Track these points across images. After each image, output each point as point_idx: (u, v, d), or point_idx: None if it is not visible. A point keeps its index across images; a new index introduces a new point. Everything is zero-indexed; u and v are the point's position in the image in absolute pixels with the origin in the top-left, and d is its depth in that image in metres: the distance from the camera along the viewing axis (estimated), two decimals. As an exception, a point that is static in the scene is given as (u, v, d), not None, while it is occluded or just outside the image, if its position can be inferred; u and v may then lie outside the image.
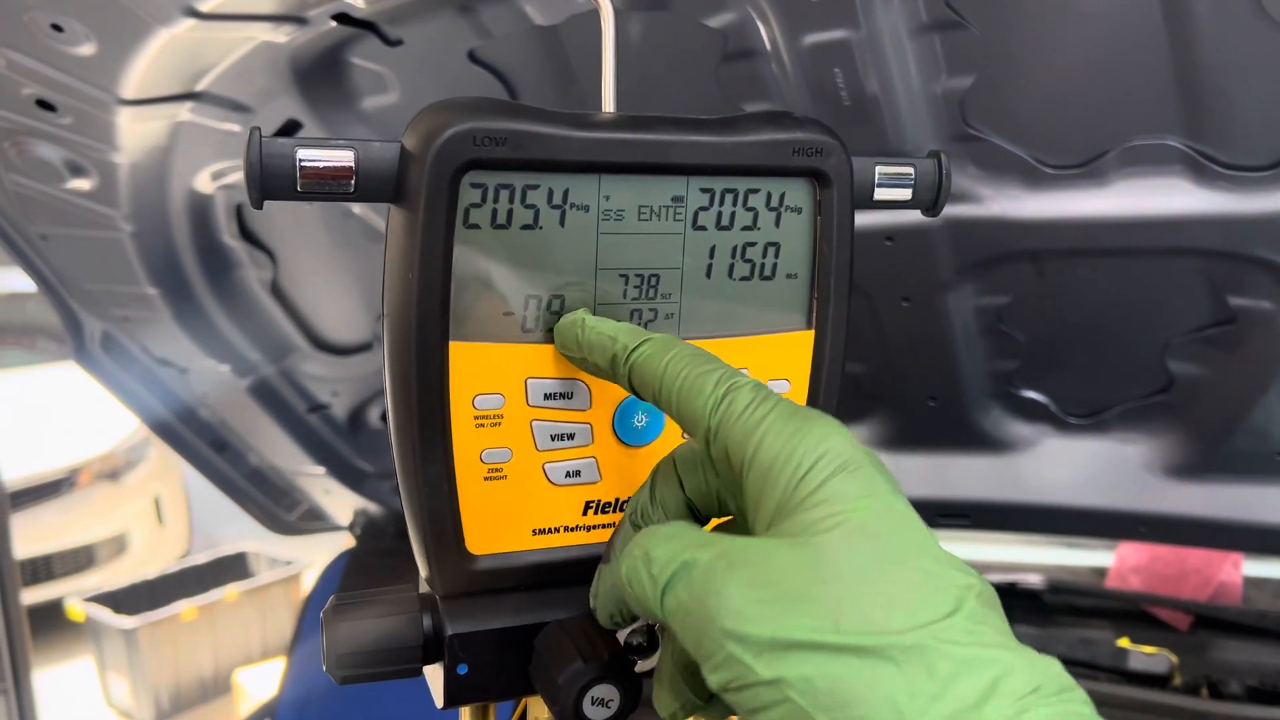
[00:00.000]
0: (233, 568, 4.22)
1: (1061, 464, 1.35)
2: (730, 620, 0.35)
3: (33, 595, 4.02)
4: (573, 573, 0.52)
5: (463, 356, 0.47)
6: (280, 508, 1.81)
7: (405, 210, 0.46)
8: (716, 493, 0.46)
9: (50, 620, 4.02)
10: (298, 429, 1.58)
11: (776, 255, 0.52)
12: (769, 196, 0.51)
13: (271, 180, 0.44)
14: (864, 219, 0.93)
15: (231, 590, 3.91)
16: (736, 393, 0.42)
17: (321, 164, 0.45)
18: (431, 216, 0.45)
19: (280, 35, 0.96)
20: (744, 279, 0.52)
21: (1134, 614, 1.56)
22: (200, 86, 1.03)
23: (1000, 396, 1.32)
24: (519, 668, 0.51)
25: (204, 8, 0.86)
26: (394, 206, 0.47)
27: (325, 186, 0.45)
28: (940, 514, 1.46)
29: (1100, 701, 1.39)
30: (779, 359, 0.54)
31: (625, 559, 0.40)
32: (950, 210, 1.06)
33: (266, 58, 0.99)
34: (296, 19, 0.94)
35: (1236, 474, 1.28)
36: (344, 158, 0.45)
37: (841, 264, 0.53)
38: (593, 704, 0.47)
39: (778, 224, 0.52)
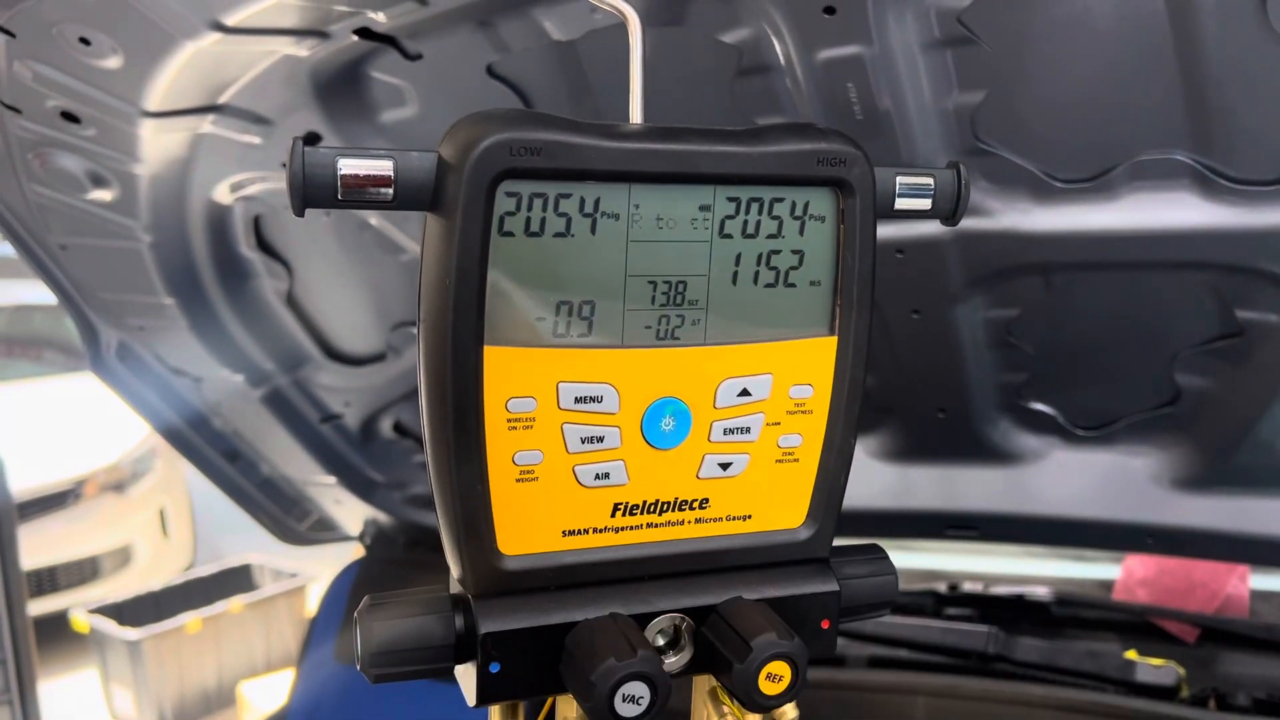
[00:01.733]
0: (237, 580, 4.23)
1: (1069, 476, 1.36)
2: None
3: (38, 606, 4.02)
4: (602, 573, 0.53)
5: (497, 361, 0.49)
6: (291, 517, 1.82)
7: (442, 218, 0.47)
8: None
9: (55, 631, 4.02)
10: (310, 439, 1.59)
11: (800, 262, 0.54)
12: (793, 205, 0.53)
13: (314, 188, 0.46)
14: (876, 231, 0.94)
15: (236, 602, 3.91)
16: None
17: (362, 173, 0.46)
18: (468, 224, 0.47)
19: (302, 49, 0.98)
20: (769, 286, 0.53)
21: (1141, 626, 1.57)
22: (222, 99, 1.05)
23: (1009, 408, 1.33)
24: (550, 666, 0.52)
25: (229, 21, 0.88)
26: (430, 215, 0.48)
27: (365, 195, 0.47)
28: (949, 525, 1.47)
29: (1107, 714, 1.40)
30: (803, 364, 0.55)
31: None
32: (961, 224, 1.07)
33: (288, 71, 1.01)
34: (319, 33, 0.96)
35: (1244, 486, 1.29)
36: (383, 167, 0.47)
37: (864, 271, 0.54)
38: (624, 701, 0.48)
39: (802, 232, 0.53)
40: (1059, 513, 1.39)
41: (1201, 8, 0.83)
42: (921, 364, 1.27)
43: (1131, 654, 1.48)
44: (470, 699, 0.52)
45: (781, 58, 0.94)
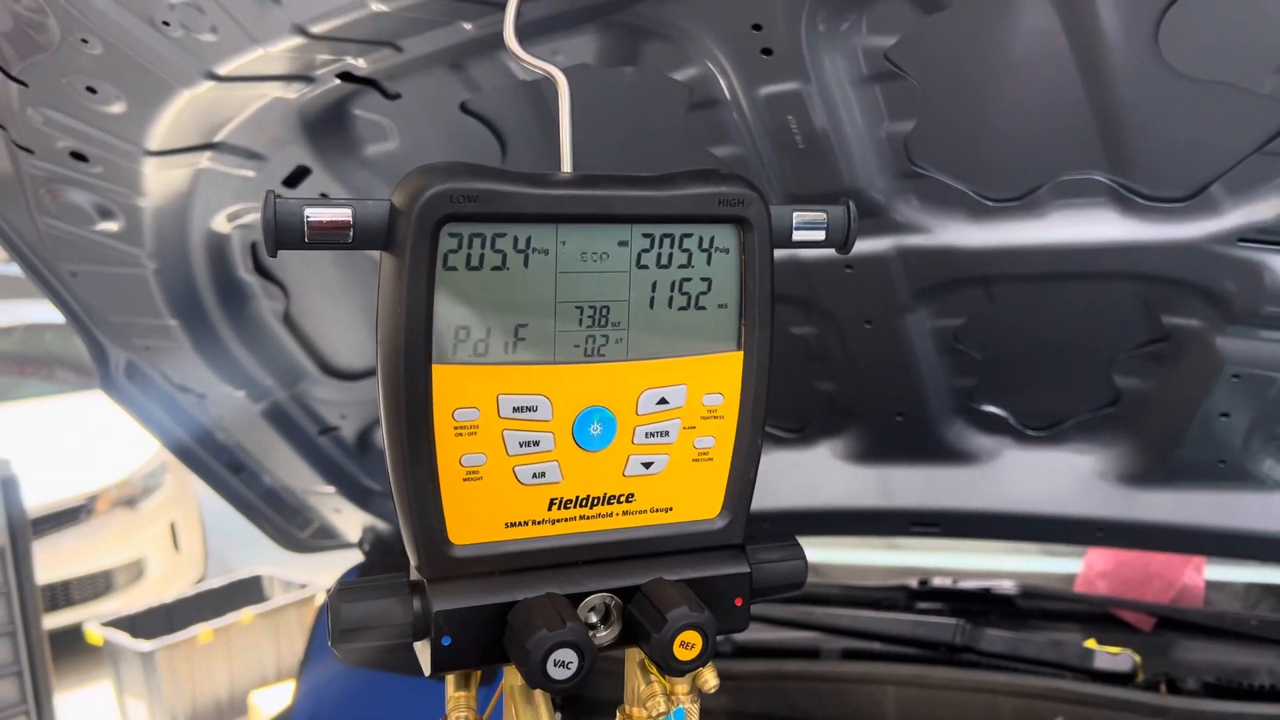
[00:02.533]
0: (248, 591, 4.30)
1: (1022, 474, 1.44)
2: None
3: (53, 620, 4.10)
4: (540, 559, 0.62)
5: (444, 377, 0.57)
6: (293, 526, 1.90)
7: (394, 256, 0.56)
8: None
9: (70, 644, 4.10)
10: (309, 450, 1.68)
11: (709, 288, 0.62)
12: (701, 239, 0.61)
13: (284, 234, 0.54)
14: (825, 249, 1.04)
15: (246, 613, 3.98)
16: None
17: (325, 220, 0.55)
18: (416, 261, 0.55)
19: (290, 92, 1.07)
20: (682, 309, 0.62)
21: (1101, 616, 1.65)
22: (218, 138, 1.13)
23: (962, 411, 1.41)
24: (495, 639, 0.60)
25: (222, 71, 0.97)
26: (385, 253, 0.57)
27: (328, 238, 0.55)
28: (913, 523, 1.55)
29: (1067, 699, 1.48)
30: (714, 376, 0.64)
31: None
32: (902, 240, 1.15)
33: (278, 111, 1.10)
34: (305, 78, 1.04)
35: (1185, 481, 1.37)
36: (343, 214, 0.55)
37: (764, 295, 0.63)
38: (555, 665, 0.56)
39: (709, 262, 0.62)
40: (1014, 509, 1.47)
41: (1102, 43, 0.91)
42: (877, 371, 1.35)
43: (1091, 643, 1.56)
44: (426, 669, 0.60)
45: (727, 93, 1.03)
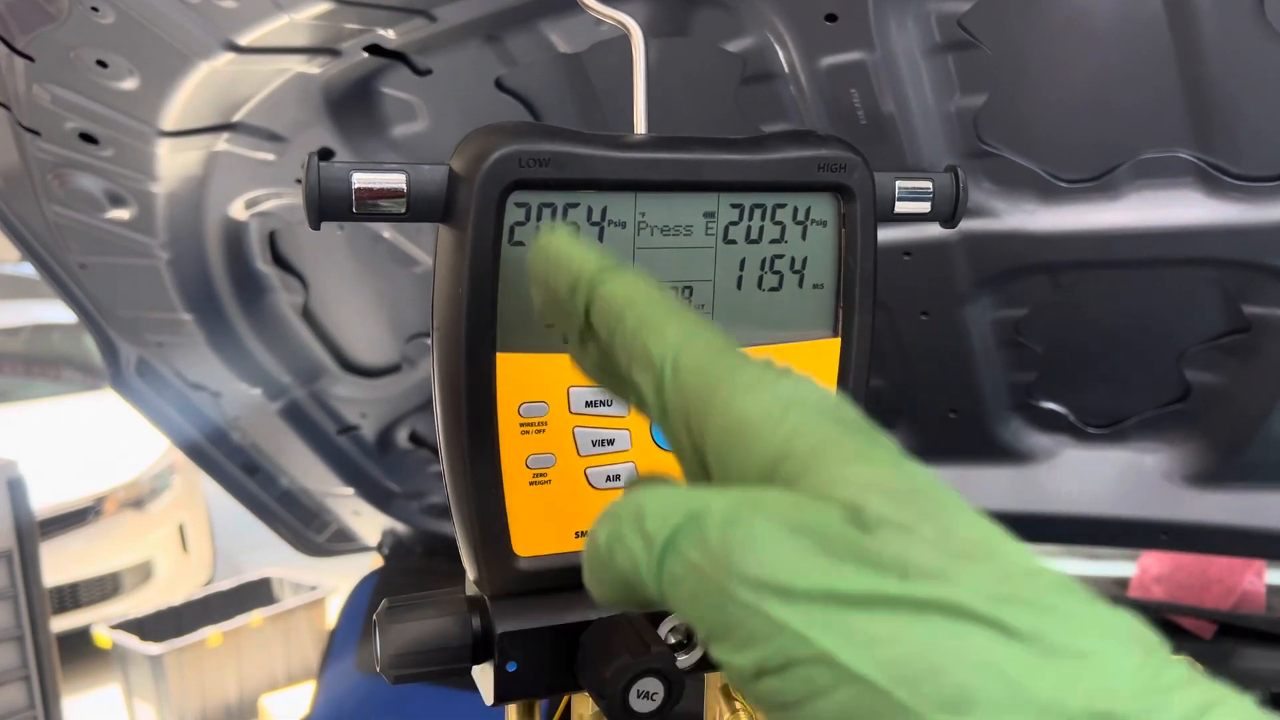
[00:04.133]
0: (257, 593, 4.25)
1: (1082, 474, 1.37)
2: (768, 572, 0.27)
3: (61, 623, 4.06)
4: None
5: (509, 367, 0.50)
6: (310, 529, 1.84)
7: (454, 229, 0.49)
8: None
9: (78, 647, 4.06)
10: (328, 451, 1.61)
11: (803, 266, 0.55)
12: (795, 211, 0.54)
13: (329, 202, 0.47)
14: (882, 234, 0.96)
15: (256, 616, 3.93)
16: (698, 333, 0.35)
17: (375, 186, 0.48)
18: (479, 235, 0.48)
19: (314, 67, 1.00)
20: (773, 289, 0.55)
21: (1157, 623, 1.57)
22: (236, 118, 1.06)
23: (1020, 408, 1.34)
24: (565, 665, 0.53)
25: (243, 41, 0.90)
26: (443, 226, 0.50)
27: (378, 207, 0.48)
28: (963, 526, 1.47)
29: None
30: (807, 365, 0.56)
31: (606, 521, 0.32)
32: (966, 225, 1.08)
33: (300, 89, 1.03)
34: (330, 51, 0.97)
35: (1257, 481, 1.30)
36: (396, 180, 0.48)
37: (865, 274, 0.56)
38: (639, 697, 0.49)
39: (804, 237, 0.55)
40: (1072, 511, 1.39)
41: (1199, 8, 0.84)
42: (931, 365, 1.28)
43: (1148, 651, 1.49)
44: (488, 698, 0.53)
45: (785, 65, 0.96)
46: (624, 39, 0.98)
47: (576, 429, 0.52)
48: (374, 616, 0.53)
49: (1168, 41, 0.87)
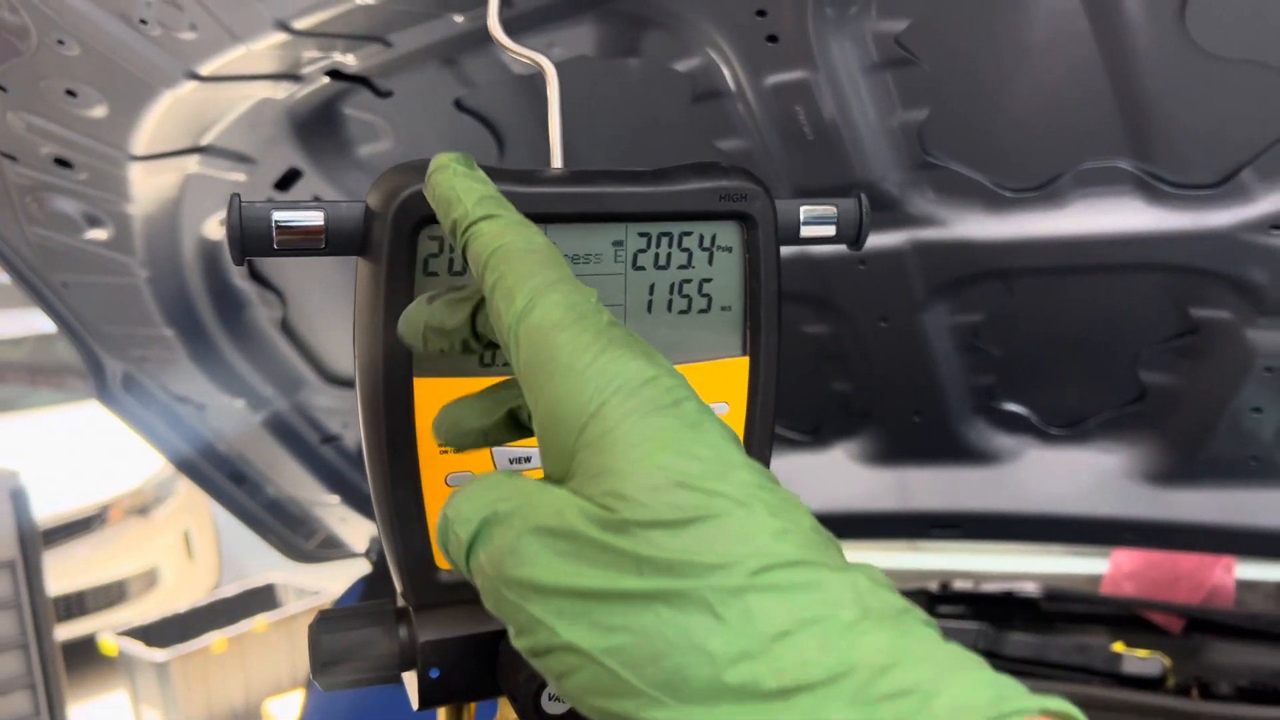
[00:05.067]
0: (261, 599, 4.29)
1: (1046, 474, 1.40)
2: (525, 574, 0.33)
3: (66, 631, 4.10)
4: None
5: (426, 391, 0.53)
6: (298, 536, 1.87)
7: (371, 262, 0.52)
8: (515, 417, 0.43)
9: (84, 655, 4.10)
10: (312, 460, 1.64)
11: (711, 290, 0.58)
12: (701, 238, 0.57)
13: (251, 240, 0.50)
14: (835, 246, 0.99)
15: (260, 621, 3.97)
16: (545, 308, 0.38)
17: (295, 224, 0.51)
18: (394, 267, 0.51)
19: (279, 91, 1.03)
20: (682, 312, 0.57)
21: (1129, 619, 1.60)
22: (206, 141, 1.10)
23: (982, 410, 1.36)
24: (486, 671, 0.56)
25: (204, 71, 0.93)
26: (361, 259, 0.53)
27: (299, 243, 0.51)
28: (933, 525, 1.50)
29: (1095, 705, 1.43)
30: (718, 383, 0.59)
31: (440, 520, 0.37)
32: (917, 233, 1.11)
33: (267, 113, 1.06)
34: (292, 76, 1.01)
35: (1215, 479, 1.32)
36: (314, 218, 0.51)
37: (770, 296, 0.58)
38: (550, 699, 0.52)
39: (710, 262, 0.57)
40: (1038, 510, 1.42)
41: (1125, 23, 0.87)
42: (893, 370, 1.31)
43: (1119, 646, 1.51)
44: (415, 703, 0.56)
45: (732, 84, 0.98)
46: (577, 60, 1.01)
47: (494, 448, 0.55)
48: (308, 628, 0.56)
49: (1097, 56, 0.90)
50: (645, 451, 0.34)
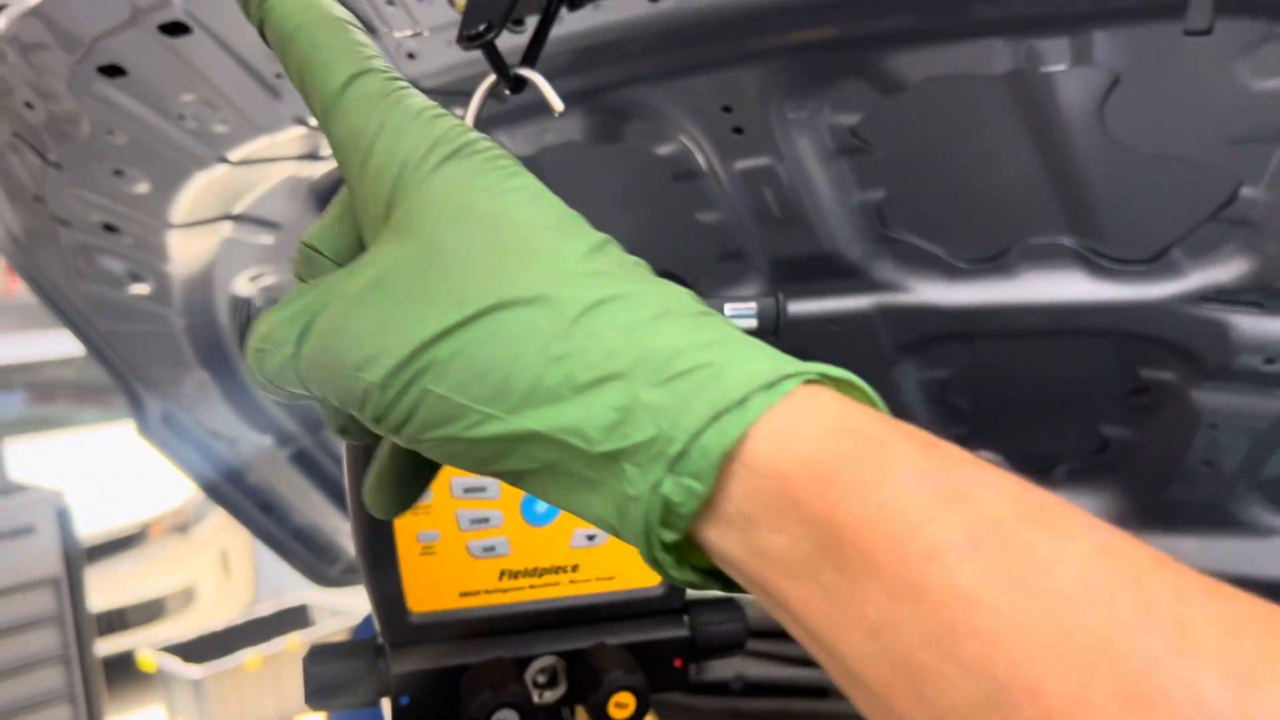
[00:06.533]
0: (295, 618, 4.38)
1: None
2: (353, 353, 0.33)
3: (107, 646, 4.23)
4: (492, 625, 0.68)
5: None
6: (323, 562, 1.99)
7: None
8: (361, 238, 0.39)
9: (123, 670, 4.22)
10: (334, 492, 1.76)
11: (647, 377, 0.68)
12: (638, 333, 0.67)
13: None
14: (808, 306, 1.10)
15: (294, 640, 4.06)
16: (364, 79, 0.37)
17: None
18: None
19: (301, 169, 1.15)
20: (622, 395, 0.68)
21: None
22: (237, 210, 1.22)
23: (956, 458, 1.45)
24: (451, 701, 0.66)
25: (234, 157, 1.05)
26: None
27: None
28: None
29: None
30: (653, 456, 0.69)
31: (248, 347, 0.38)
32: (882, 298, 1.20)
33: (291, 186, 1.18)
34: (313, 156, 1.12)
35: (1177, 526, 1.40)
36: (309, 320, 0.62)
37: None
38: (497, 721, 0.62)
39: (646, 353, 0.68)
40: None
41: (1055, 118, 0.96)
42: (869, 420, 1.40)
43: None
44: (389, 726, 0.67)
45: (705, 166, 1.09)
46: (569, 145, 1.12)
47: (458, 510, 0.66)
48: (301, 660, 0.67)
49: (1030, 144, 0.99)
50: (456, 191, 0.34)
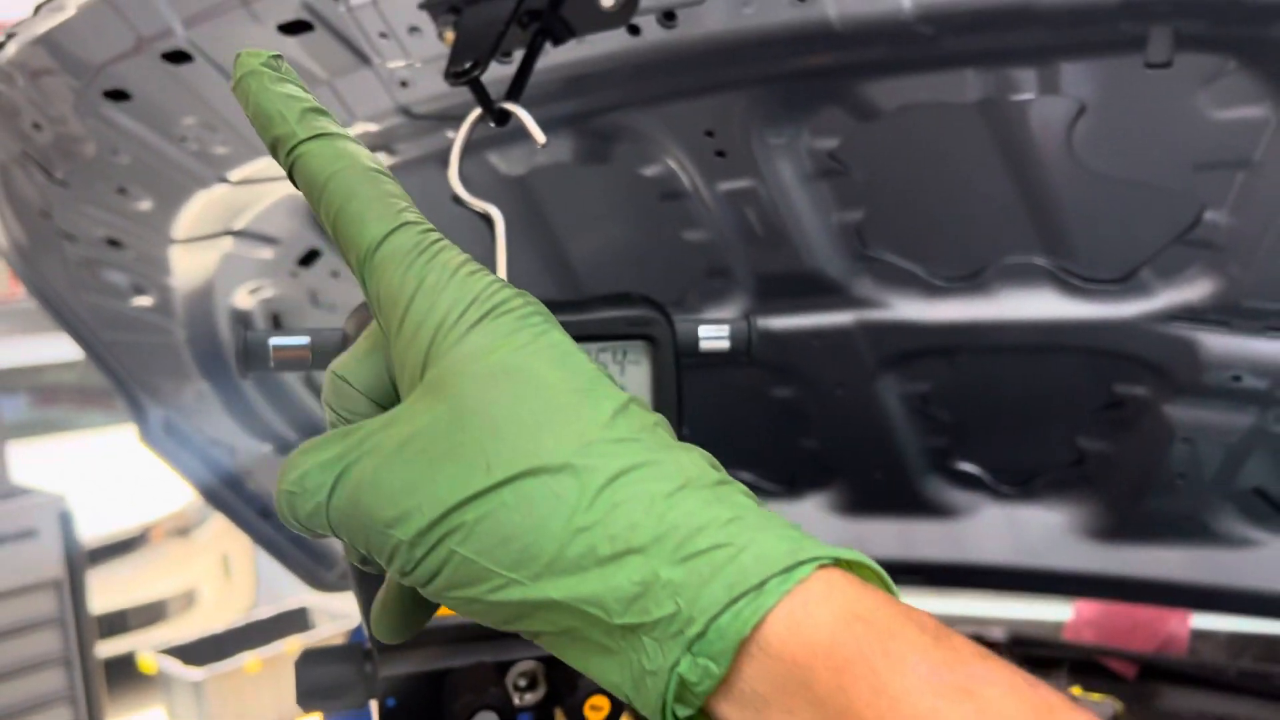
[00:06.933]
0: (294, 621, 4.39)
1: (1000, 528, 1.51)
2: (384, 510, 0.34)
3: (107, 648, 4.25)
4: (474, 632, 0.71)
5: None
6: (321, 567, 2.02)
7: (345, 376, 0.66)
8: (390, 376, 0.40)
9: (124, 672, 4.24)
10: (332, 499, 1.79)
11: (623, 396, 0.72)
12: (614, 353, 0.71)
13: (252, 361, 0.65)
14: (793, 322, 1.14)
15: (293, 643, 4.07)
16: (399, 234, 0.38)
17: (286, 348, 0.65)
18: None
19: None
20: (599, 414, 0.71)
21: (1088, 664, 1.70)
22: (237, 226, 1.26)
23: (938, 469, 1.48)
24: (436, 702, 0.70)
25: (234, 177, 1.09)
26: (337, 373, 0.67)
27: (290, 362, 0.66)
28: (900, 573, 1.61)
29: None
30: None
31: (280, 488, 0.38)
32: (863, 314, 1.24)
33: (289, 205, 1.22)
34: (311, 175, 1.16)
35: (1155, 538, 1.43)
36: (301, 341, 0.66)
37: (670, 400, 0.72)
38: (480, 722, 0.66)
39: (623, 373, 0.71)
40: (994, 562, 1.53)
41: (1026, 146, 1.00)
42: (853, 431, 1.43)
43: (1076, 690, 1.62)
44: (376, 727, 0.70)
45: (690, 187, 1.12)
46: (560, 166, 1.16)
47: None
48: (294, 663, 0.70)
49: (1002, 168, 1.03)
50: (488, 353, 0.35)
